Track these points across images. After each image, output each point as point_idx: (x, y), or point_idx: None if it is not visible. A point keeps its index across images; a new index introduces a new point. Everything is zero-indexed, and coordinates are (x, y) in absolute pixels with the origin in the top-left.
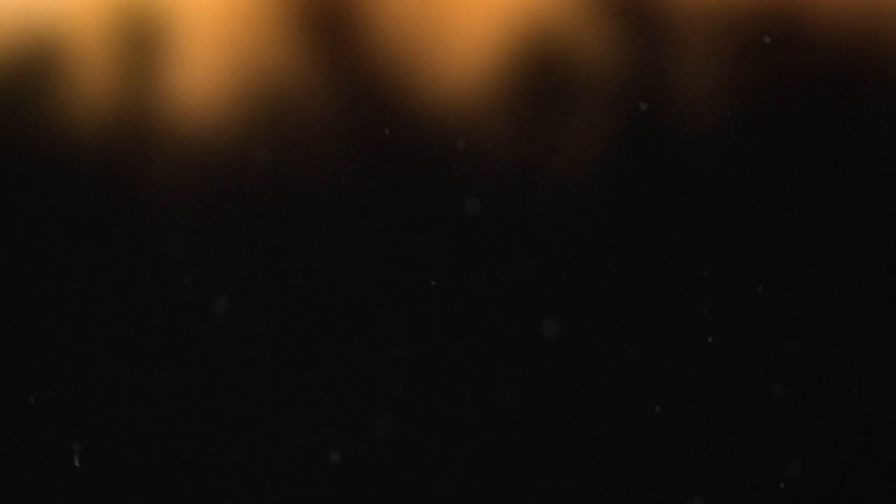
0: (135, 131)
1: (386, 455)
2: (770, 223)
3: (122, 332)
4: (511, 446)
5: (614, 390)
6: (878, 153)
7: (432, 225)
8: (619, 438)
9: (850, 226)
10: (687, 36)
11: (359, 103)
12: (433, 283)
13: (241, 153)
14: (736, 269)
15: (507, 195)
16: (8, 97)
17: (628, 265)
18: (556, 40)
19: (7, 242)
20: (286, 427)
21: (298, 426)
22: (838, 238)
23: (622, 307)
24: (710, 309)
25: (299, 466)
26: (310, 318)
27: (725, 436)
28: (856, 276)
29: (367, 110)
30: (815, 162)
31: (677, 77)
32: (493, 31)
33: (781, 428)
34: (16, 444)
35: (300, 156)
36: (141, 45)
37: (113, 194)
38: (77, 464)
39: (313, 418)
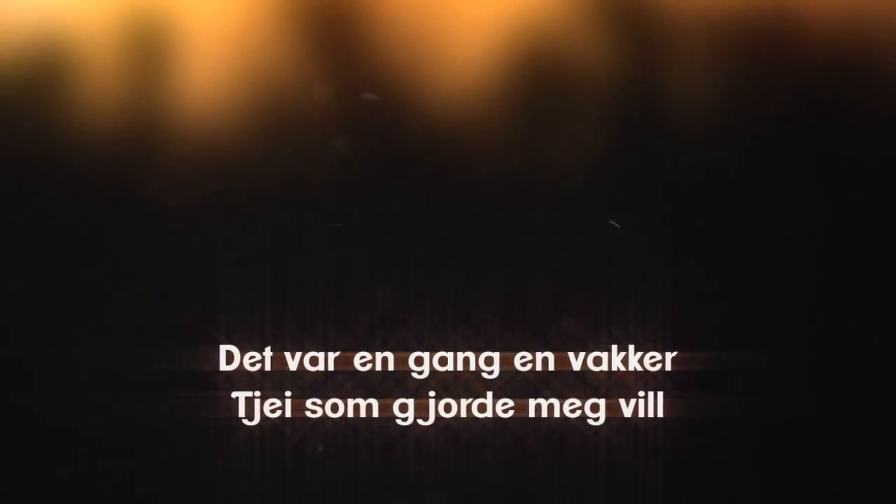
0: (141, 133)
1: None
2: (769, 223)
3: (124, 331)
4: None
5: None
6: (878, 153)
7: (433, 223)
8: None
9: (849, 226)
10: (685, 37)
11: (360, 105)
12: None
13: (246, 153)
14: (732, 269)
15: (507, 194)
16: (18, 100)
17: (626, 264)
18: (556, 42)
19: (15, 241)
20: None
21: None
22: (838, 239)
23: (614, 307)
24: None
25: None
26: (310, 315)
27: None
28: (856, 275)
29: (368, 111)
30: (814, 162)
31: (675, 78)
32: (494, 34)
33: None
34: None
35: (302, 155)
36: (148, 50)
37: (120, 194)
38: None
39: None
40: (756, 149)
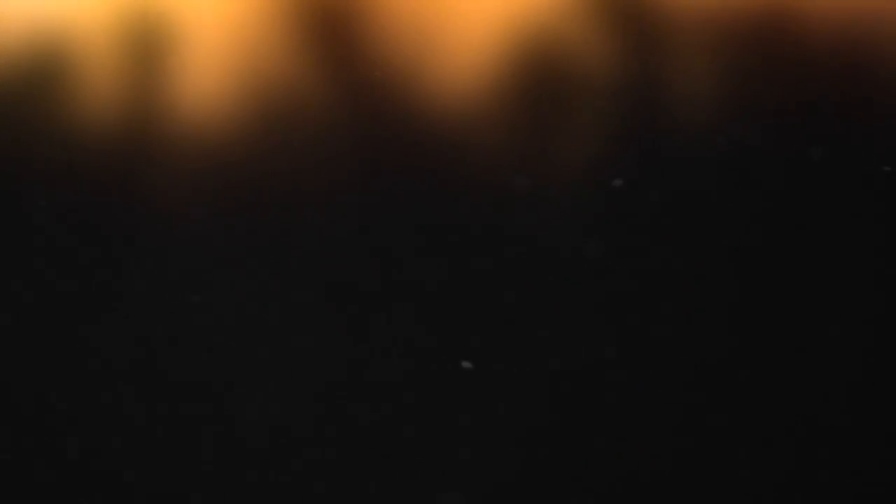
0: (140, 134)
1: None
2: (770, 225)
3: (124, 332)
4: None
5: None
6: (879, 156)
7: (432, 226)
8: (619, 450)
9: (850, 231)
10: (686, 38)
11: (361, 105)
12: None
13: (246, 155)
14: (735, 268)
15: (507, 196)
16: (17, 101)
17: (626, 266)
18: (557, 42)
19: (13, 243)
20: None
21: (297, 426)
22: (839, 244)
23: (617, 309)
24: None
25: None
26: (310, 317)
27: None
28: (856, 279)
29: (368, 112)
30: (815, 163)
31: (676, 79)
32: (494, 34)
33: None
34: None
35: (303, 157)
36: (147, 50)
37: (118, 196)
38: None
39: (310, 415)
40: (759, 149)
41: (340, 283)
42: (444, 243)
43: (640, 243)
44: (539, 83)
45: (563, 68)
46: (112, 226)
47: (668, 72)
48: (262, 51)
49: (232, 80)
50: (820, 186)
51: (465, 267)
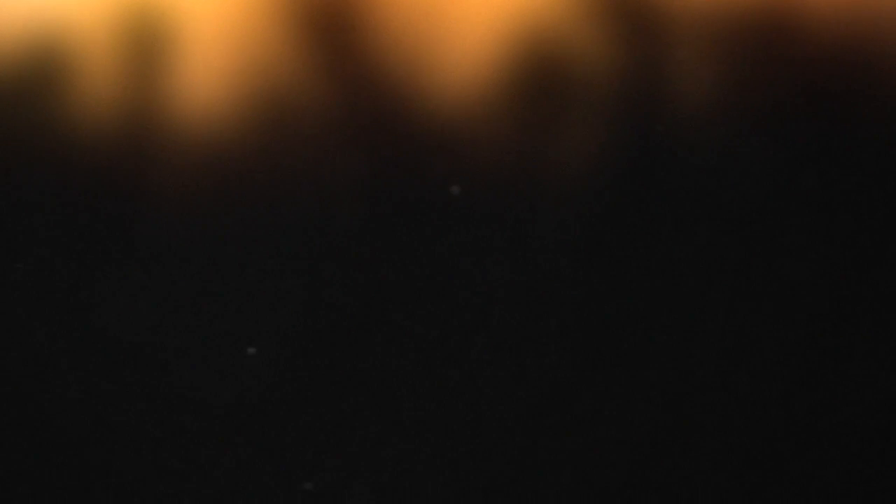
0: (140, 134)
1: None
2: (770, 224)
3: (124, 333)
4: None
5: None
6: (879, 154)
7: (431, 224)
8: (616, 441)
9: (850, 227)
10: (687, 36)
11: (361, 105)
12: None
13: (245, 155)
14: (735, 271)
15: (506, 195)
16: (14, 99)
17: (625, 266)
18: (558, 41)
19: (11, 243)
20: (278, 425)
21: (290, 425)
22: (839, 239)
23: (618, 308)
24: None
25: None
26: (311, 316)
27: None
28: (855, 276)
29: (368, 112)
30: (816, 164)
31: (677, 78)
32: (495, 33)
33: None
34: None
35: (303, 157)
36: (146, 48)
37: (118, 196)
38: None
39: (306, 415)
40: (761, 149)
41: (340, 278)
42: (442, 242)
43: (637, 241)
44: (538, 81)
45: (562, 66)
46: (111, 223)
47: (668, 70)
48: (262, 48)
49: (231, 78)
50: (819, 186)
51: (464, 265)
